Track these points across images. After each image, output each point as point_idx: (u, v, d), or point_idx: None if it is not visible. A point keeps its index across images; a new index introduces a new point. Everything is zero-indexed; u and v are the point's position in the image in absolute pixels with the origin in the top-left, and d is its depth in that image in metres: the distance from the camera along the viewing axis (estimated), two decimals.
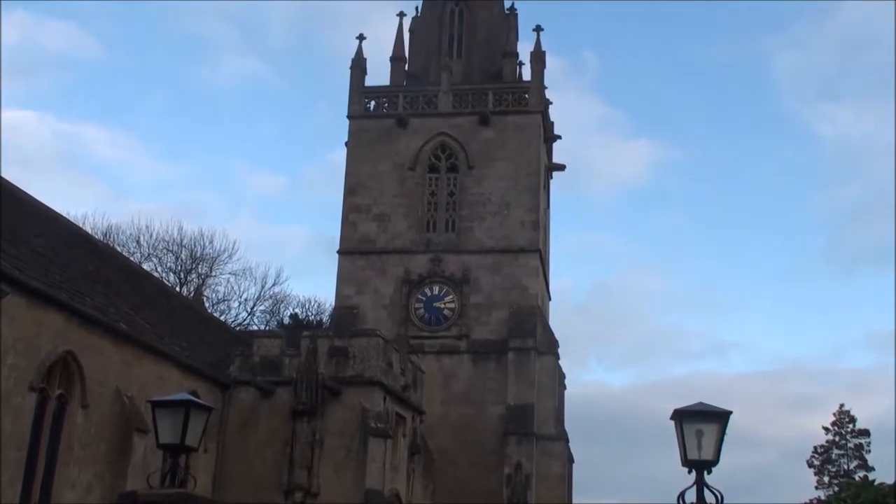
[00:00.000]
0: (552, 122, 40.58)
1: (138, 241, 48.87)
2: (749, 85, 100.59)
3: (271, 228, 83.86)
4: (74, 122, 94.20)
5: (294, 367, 25.67)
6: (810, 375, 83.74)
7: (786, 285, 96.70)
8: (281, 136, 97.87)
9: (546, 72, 38.36)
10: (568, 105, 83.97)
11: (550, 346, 35.33)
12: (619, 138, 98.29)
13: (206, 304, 44.42)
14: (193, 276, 50.38)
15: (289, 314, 52.52)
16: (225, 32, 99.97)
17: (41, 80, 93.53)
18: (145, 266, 44.54)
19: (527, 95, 37.78)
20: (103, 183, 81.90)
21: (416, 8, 41.53)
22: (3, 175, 24.05)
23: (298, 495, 24.60)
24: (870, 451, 50.91)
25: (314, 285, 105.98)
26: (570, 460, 36.03)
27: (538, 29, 38.70)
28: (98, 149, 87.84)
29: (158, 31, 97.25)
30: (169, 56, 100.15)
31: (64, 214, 28.99)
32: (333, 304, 37.37)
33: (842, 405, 52.31)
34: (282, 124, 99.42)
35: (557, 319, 54.17)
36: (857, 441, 51.56)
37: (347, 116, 38.22)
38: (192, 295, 44.41)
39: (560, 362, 35.88)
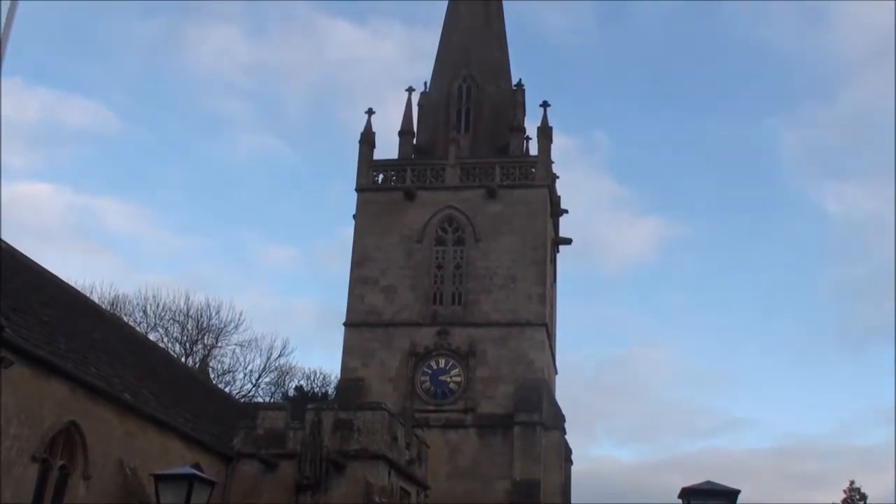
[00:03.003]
0: (559, 197, 40.83)
1: (145, 311, 48.97)
2: (756, 163, 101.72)
3: (281, 301, 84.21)
4: (90, 194, 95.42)
5: (298, 440, 25.45)
6: (820, 452, 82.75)
7: (795, 361, 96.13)
8: (295, 210, 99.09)
9: (558, 150, 39.00)
10: (579, 183, 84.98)
11: (557, 420, 35.01)
12: (629, 215, 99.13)
13: (211, 375, 44.27)
14: (199, 346, 50.32)
15: (294, 386, 52.38)
16: (242, 110, 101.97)
17: (60, 153, 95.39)
18: (151, 336, 44.56)
19: (533, 170, 38.07)
20: (116, 254, 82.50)
21: (425, 83, 42.12)
22: (16, 246, 24.22)
23: None
24: None
25: (320, 357, 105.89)
26: None
27: (545, 105, 39.24)
28: (113, 221, 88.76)
29: (178, 109, 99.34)
30: (188, 132, 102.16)
31: (71, 283, 29.08)
32: (339, 376, 37.22)
33: (852, 482, 51.43)
34: (296, 198, 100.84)
35: (565, 393, 53.95)
36: None
37: (355, 189, 38.51)
38: (197, 366, 44.24)
39: (568, 437, 35.60)
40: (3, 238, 23.70)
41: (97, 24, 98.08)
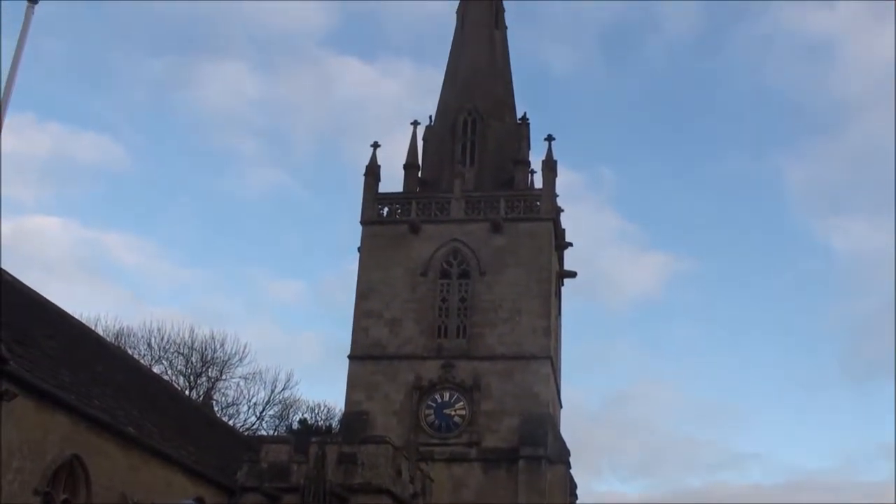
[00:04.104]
0: (563, 230, 40.85)
1: (149, 344, 48.95)
2: (761, 199, 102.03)
3: (287, 334, 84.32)
4: (99, 228, 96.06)
5: (302, 474, 25.33)
6: (825, 487, 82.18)
7: (799, 396, 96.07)
8: (302, 243, 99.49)
9: (564, 186, 39.14)
10: (585, 218, 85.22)
11: (562, 454, 34.82)
12: (635, 250, 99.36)
13: (215, 408, 44.20)
14: (203, 379, 50.28)
15: (298, 419, 52.25)
16: (250, 145, 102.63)
17: (70, 188, 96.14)
18: (155, 368, 44.52)
19: (538, 203, 38.12)
20: (123, 288, 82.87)
21: (430, 117, 42.32)
22: (24, 279, 24.32)
23: None
24: None
25: (325, 390, 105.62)
26: None
27: (549, 138, 39.32)
28: (120, 255, 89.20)
29: (187, 144, 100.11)
30: (196, 167, 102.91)
31: (76, 316, 29.11)
32: (343, 409, 37.08)
33: None
34: (303, 232, 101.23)
35: (570, 428, 53.70)
36: None
37: (360, 222, 38.56)
38: (201, 398, 44.20)
39: (572, 471, 35.34)
40: (12, 273, 23.80)
41: (108, 61, 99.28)
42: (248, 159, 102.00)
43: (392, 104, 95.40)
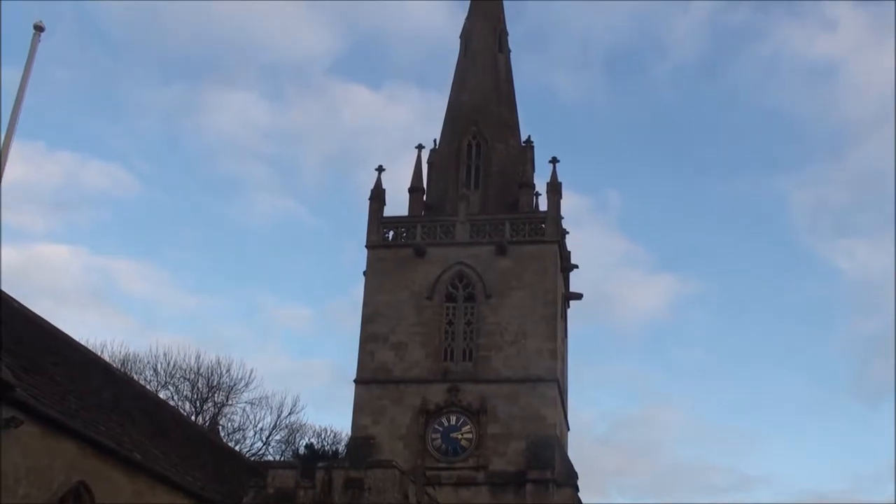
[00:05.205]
0: (569, 252, 40.86)
1: (155, 369, 48.94)
2: (767, 221, 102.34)
3: (295, 361, 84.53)
4: (107, 256, 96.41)
5: (309, 499, 25.23)
6: None
7: (809, 418, 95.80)
8: (309, 270, 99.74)
9: (571, 209, 39.22)
10: (591, 241, 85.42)
11: (569, 477, 34.66)
12: (641, 273, 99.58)
13: (222, 434, 44.11)
14: (209, 404, 50.22)
15: (304, 444, 52.08)
16: (258, 172, 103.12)
17: (79, 216, 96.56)
18: (161, 394, 44.52)
19: (543, 225, 38.14)
20: (131, 315, 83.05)
21: (434, 140, 42.41)
22: (33, 307, 24.36)
23: None
24: None
25: (332, 415, 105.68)
26: None
27: (554, 161, 39.40)
28: (128, 282, 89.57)
29: (195, 172, 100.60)
30: (204, 194, 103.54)
31: (83, 342, 29.13)
32: (349, 433, 36.99)
33: None
34: (311, 258, 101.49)
35: (578, 452, 53.42)
36: None
37: (366, 246, 38.60)
38: (207, 424, 44.10)
39: (580, 494, 35.13)
40: (21, 300, 23.85)
41: (118, 89, 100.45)
42: (255, 186, 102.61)
43: (398, 130, 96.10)
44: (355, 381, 36.59)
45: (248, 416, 51.32)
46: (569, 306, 41.72)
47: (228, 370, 50.72)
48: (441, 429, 35.24)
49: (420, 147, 41.30)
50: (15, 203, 78.19)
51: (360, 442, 35.14)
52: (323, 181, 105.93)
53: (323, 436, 54.25)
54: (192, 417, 45.65)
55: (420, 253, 37.95)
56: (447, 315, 37.29)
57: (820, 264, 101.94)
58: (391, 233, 39.00)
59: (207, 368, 50.25)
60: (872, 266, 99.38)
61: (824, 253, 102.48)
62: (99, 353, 35.08)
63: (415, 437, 35.04)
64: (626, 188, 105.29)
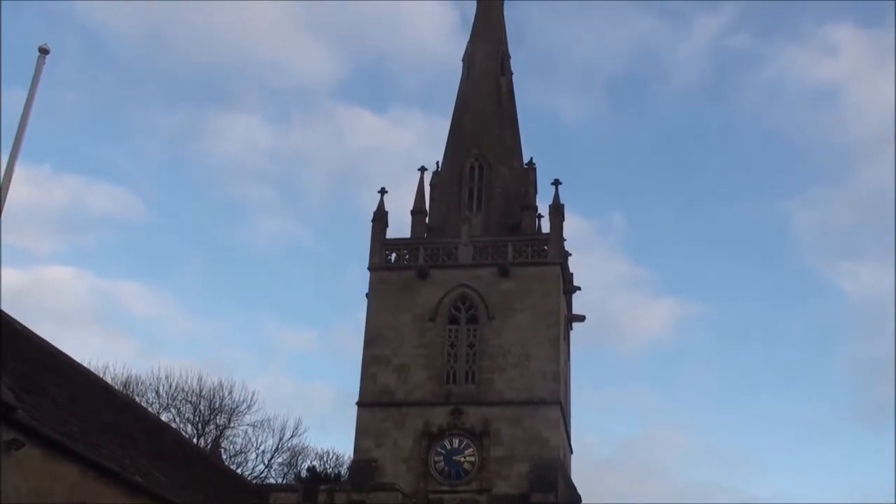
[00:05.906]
0: (572, 274, 40.84)
1: (157, 392, 48.88)
2: (771, 244, 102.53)
3: (298, 384, 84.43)
4: (112, 278, 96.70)
5: None
6: None
7: (814, 440, 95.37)
8: (313, 292, 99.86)
9: (574, 232, 39.20)
10: (595, 263, 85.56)
11: (572, 500, 34.46)
12: (645, 295, 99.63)
13: (223, 456, 43.98)
14: (211, 427, 50.10)
15: (307, 467, 51.95)
16: (262, 195, 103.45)
17: (84, 238, 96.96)
18: (163, 416, 44.42)
19: (546, 247, 38.14)
20: (134, 337, 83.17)
21: (437, 163, 42.51)
22: (38, 329, 24.36)
23: None
24: None
25: (334, 438, 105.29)
26: None
27: (556, 183, 39.39)
28: (132, 304, 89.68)
29: (200, 194, 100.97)
30: (208, 217, 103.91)
31: (86, 364, 29.11)
32: (352, 456, 36.85)
33: None
34: (315, 281, 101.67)
35: (582, 474, 53.25)
36: None
37: (368, 268, 38.59)
38: (209, 446, 43.98)
39: None
40: (25, 322, 23.86)
41: (123, 113, 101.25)
42: (260, 209, 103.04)
43: (402, 152, 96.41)
44: (358, 403, 36.50)
45: (250, 438, 51.26)
46: (571, 328, 41.65)
47: (230, 392, 50.70)
48: (444, 451, 35.09)
49: (423, 169, 41.41)
50: (20, 225, 78.52)
51: (363, 465, 35.00)
52: (326, 204, 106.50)
53: (325, 458, 54.16)
54: (194, 440, 45.53)
55: (422, 275, 37.95)
56: (450, 337, 37.24)
57: (823, 286, 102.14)
58: (394, 255, 39.01)
59: (210, 391, 50.24)
60: (876, 288, 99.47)
61: (827, 275, 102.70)
62: (101, 375, 35.05)
63: (417, 460, 34.90)
64: (630, 211, 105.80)
